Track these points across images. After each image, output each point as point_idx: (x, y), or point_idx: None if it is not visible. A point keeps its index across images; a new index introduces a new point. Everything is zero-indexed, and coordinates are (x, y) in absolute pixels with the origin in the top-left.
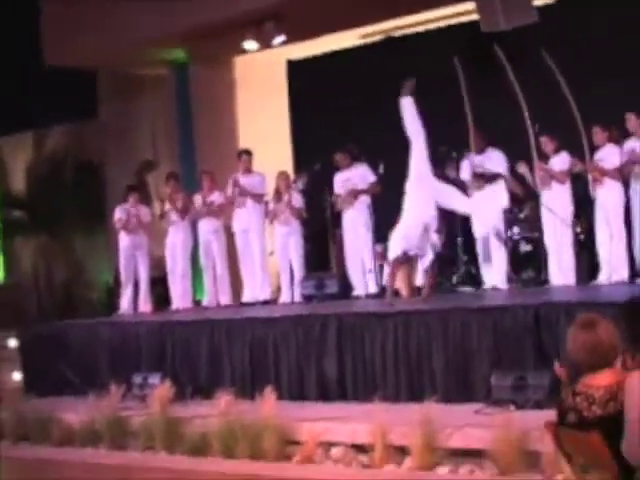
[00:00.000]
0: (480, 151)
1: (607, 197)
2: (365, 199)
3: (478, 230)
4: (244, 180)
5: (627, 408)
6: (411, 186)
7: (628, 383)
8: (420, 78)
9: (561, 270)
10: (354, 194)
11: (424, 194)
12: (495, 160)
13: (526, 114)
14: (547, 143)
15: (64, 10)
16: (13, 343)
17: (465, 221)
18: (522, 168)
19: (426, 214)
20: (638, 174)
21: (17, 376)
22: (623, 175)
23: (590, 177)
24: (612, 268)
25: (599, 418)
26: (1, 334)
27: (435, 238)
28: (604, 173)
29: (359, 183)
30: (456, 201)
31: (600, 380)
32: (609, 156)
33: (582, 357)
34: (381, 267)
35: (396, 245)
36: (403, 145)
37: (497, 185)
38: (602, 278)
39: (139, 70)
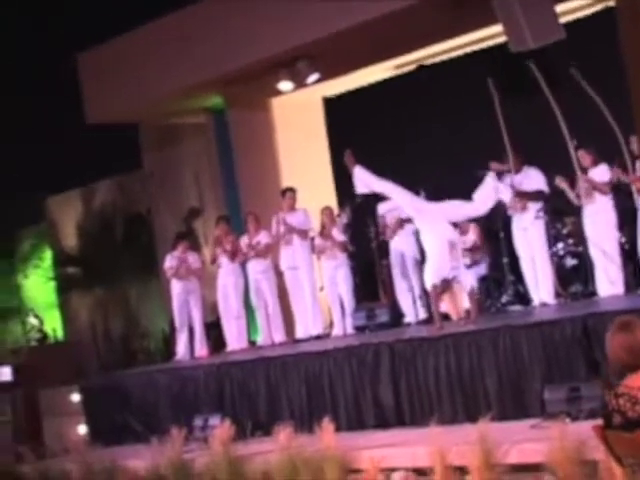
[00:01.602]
0: (518, 171)
1: None
2: (410, 227)
3: None
4: (289, 218)
5: None
6: (419, 224)
7: None
8: (454, 103)
9: (608, 281)
10: (400, 223)
11: (431, 220)
12: (534, 178)
13: (564, 129)
14: (584, 157)
15: (100, 66)
16: (76, 397)
17: (509, 241)
18: (562, 183)
19: (444, 233)
20: None
21: (82, 429)
22: None
23: (634, 187)
24: None
25: None
26: (64, 389)
27: (479, 260)
28: None
29: (402, 212)
30: (464, 209)
31: None
32: None
33: (621, 358)
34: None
35: (432, 277)
36: (442, 172)
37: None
38: None
39: (179, 119)
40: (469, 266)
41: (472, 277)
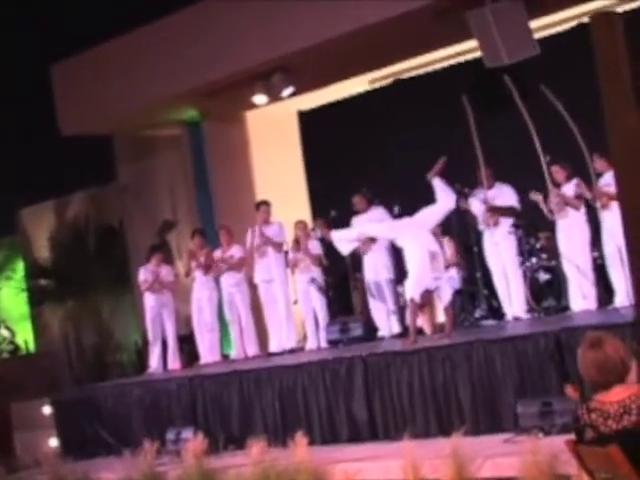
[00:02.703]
0: (490, 186)
1: (614, 221)
2: (384, 241)
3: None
4: (264, 230)
5: None
6: (401, 242)
7: None
8: (429, 118)
9: (581, 296)
10: (373, 239)
11: (411, 233)
12: (507, 194)
13: (537, 144)
14: (558, 172)
15: (74, 78)
16: (48, 410)
17: (482, 256)
18: (535, 196)
19: (425, 244)
20: None
21: (54, 442)
22: None
23: (598, 203)
24: (628, 290)
25: (616, 432)
26: (36, 402)
27: (454, 274)
28: (611, 197)
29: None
30: (436, 210)
31: (613, 396)
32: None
33: (592, 375)
34: (403, 307)
35: (414, 289)
36: (416, 186)
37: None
38: (618, 300)
39: (153, 131)
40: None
41: (450, 290)
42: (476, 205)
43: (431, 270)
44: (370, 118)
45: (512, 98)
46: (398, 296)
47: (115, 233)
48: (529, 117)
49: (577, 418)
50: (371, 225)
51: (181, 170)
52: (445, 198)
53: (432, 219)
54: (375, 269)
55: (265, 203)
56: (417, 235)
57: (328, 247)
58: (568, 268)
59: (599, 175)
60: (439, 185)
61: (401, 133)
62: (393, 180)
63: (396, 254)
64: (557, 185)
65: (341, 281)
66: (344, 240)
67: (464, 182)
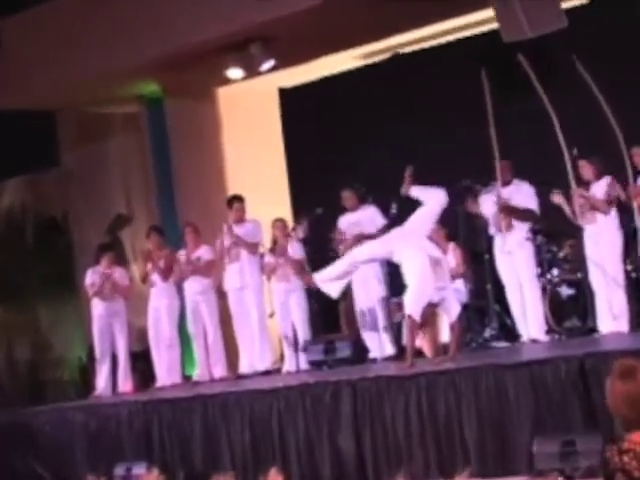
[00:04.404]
0: (507, 182)
1: None
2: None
3: None
4: (237, 231)
5: None
6: (398, 257)
7: None
8: (433, 99)
9: (611, 315)
10: (359, 240)
11: (404, 243)
12: (525, 194)
13: (560, 136)
14: (585, 168)
15: (10, 41)
16: None
17: (493, 266)
18: (558, 198)
19: (424, 250)
20: None
21: None
22: None
23: (635, 204)
24: None
25: None
26: None
27: (460, 286)
28: None
29: (367, 227)
30: (427, 210)
31: None
32: None
33: (623, 411)
34: (399, 324)
35: (414, 304)
36: (417, 181)
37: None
38: None
39: (106, 108)
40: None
41: (458, 303)
42: (488, 205)
43: (434, 279)
44: (364, 99)
45: (529, 79)
46: (392, 311)
47: (57, 227)
48: (551, 104)
49: (606, 461)
50: (356, 250)
51: (138, 155)
52: (431, 198)
53: (426, 222)
54: (364, 279)
55: (238, 199)
56: (413, 244)
57: (311, 251)
58: (596, 282)
59: (639, 173)
60: (417, 190)
61: (400, 117)
62: (390, 173)
63: (390, 264)
64: (585, 184)
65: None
66: (331, 279)
67: (476, 178)
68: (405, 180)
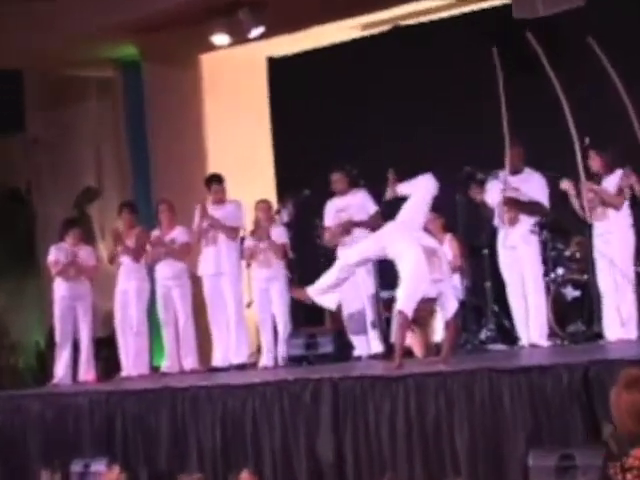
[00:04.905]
0: (516, 171)
1: None
2: (363, 234)
3: None
4: (215, 213)
5: None
6: (392, 253)
7: None
8: (436, 76)
9: (619, 320)
10: (347, 227)
11: (398, 237)
12: (535, 185)
13: (571, 124)
14: (595, 159)
15: None
16: None
17: (494, 261)
18: (566, 185)
19: (417, 241)
20: None
21: None
22: None
23: None
24: None
25: None
26: None
27: (455, 282)
28: None
29: (356, 213)
30: (417, 204)
31: None
32: None
33: (628, 423)
34: (387, 320)
35: (406, 300)
36: (414, 165)
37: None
38: None
39: (77, 71)
40: None
41: (455, 300)
42: (495, 193)
43: (430, 271)
44: (360, 73)
45: (539, 60)
46: (380, 305)
47: (20, 198)
48: (560, 87)
49: (607, 478)
50: (346, 253)
51: (111, 123)
52: (419, 188)
53: (417, 213)
54: (354, 278)
55: (217, 180)
56: (406, 236)
57: (296, 236)
58: (604, 284)
59: None
60: (404, 187)
61: (399, 94)
62: (385, 156)
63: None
64: (595, 176)
65: (310, 281)
66: (325, 290)
67: (481, 163)
68: (389, 184)
